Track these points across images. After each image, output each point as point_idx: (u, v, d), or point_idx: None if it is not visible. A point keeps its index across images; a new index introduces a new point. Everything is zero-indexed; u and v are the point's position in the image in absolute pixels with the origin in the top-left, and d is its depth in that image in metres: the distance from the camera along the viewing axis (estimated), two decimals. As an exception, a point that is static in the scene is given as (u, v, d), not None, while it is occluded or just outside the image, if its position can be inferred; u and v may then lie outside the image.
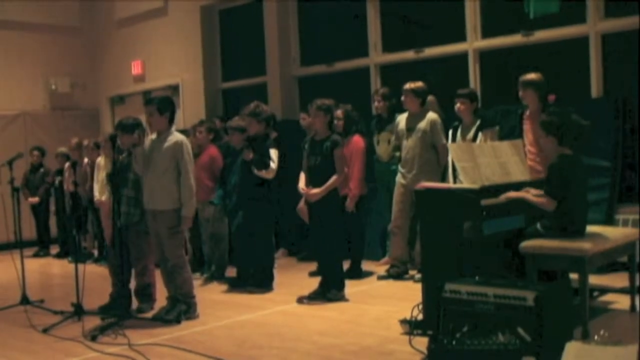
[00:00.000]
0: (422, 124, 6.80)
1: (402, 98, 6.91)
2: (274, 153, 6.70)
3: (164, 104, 5.82)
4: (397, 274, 6.98)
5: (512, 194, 4.91)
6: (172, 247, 5.76)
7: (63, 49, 12.61)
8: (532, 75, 6.11)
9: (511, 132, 6.48)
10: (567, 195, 4.76)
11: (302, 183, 6.35)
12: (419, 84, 6.89)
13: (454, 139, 6.64)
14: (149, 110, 5.83)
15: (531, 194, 4.92)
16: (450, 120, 6.95)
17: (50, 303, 6.61)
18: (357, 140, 7.25)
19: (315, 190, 6.17)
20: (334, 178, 6.16)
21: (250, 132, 6.83)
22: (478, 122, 6.55)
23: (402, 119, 7.02)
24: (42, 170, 10.49)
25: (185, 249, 6.43)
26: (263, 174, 6.65)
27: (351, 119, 7.32)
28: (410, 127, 6.87)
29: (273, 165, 6.65)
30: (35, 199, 10.41)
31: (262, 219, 6.78)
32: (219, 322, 5.67)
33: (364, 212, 7.53)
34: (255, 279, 6.80)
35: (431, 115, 6.84)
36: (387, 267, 7.23)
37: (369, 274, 7.31)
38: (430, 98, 7.15)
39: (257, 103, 6.92)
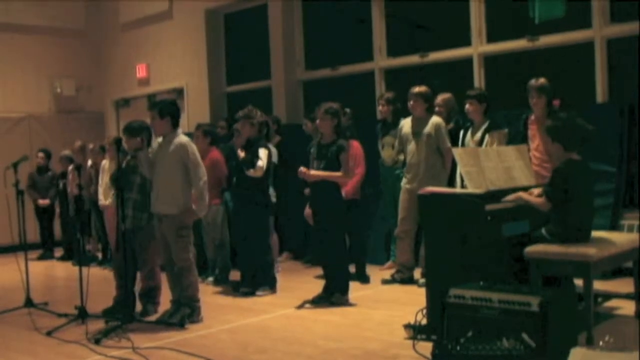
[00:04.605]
0: (427, 128, 6.78)
1: (410, 102, 6.89)
2: (262, 152, 6.75)
3: (164, 108, 5.82)
4: (402, 279, 6.97)
5: (510, 197, 4.90)
6: (179, 250, 5.76)
7: (68, 52, 12.65)
8: (542, 80, 6.11)
9: (515, 137, 6.47)
10: (567, 200, 4.74)
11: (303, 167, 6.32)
12: (426, 88, 6.89)
13: (463, 140, 6.64)
14: (152, 114, 5.84)
15: (529, 195, 4.90)
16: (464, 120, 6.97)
17: (54, 306, 6.62)
18: (358, 146, 7.24)
19: (316, 172, 6.16)
20: (338, 173, 6.12)
21: (243, 135, 6.87)
22: (486, 124, 6.54)
23: (406, 123, 7.01)
24: (50, 172, 10.53)
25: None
26: (251, 173, 6.69)
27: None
28: (416, 132, 6.85)
29: (260, 162, 6.68)
30: (46, 201, 10.47)
31: (257, 221, 6.81)
32: (223, 326, 5.66)
33: (359, 217, 7.43)
34: (257, 280, 6.83)
35: (435, 119, 6.83)
36: (391, 271, 7.23)
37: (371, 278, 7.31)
38: (447, 96, 7.15)
39: (251, 107, 6.96)
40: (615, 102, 7.14)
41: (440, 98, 7.14)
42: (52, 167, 10.61)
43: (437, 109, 7.05)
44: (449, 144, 6.71)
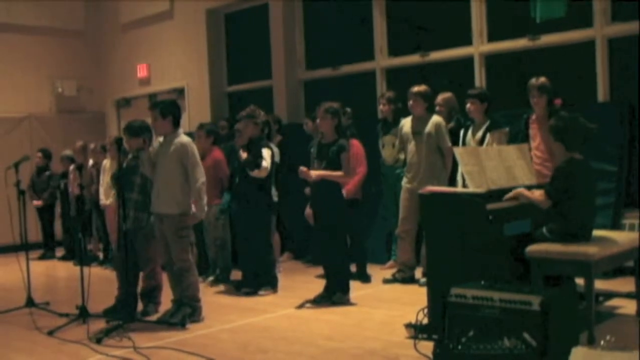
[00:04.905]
0: (428, 128, 6.78)
1: (409, 101, 6.89)
2: (266, 153, 6.76)
3: (166, 108, 5.83)
4: (403, 278, 6.97)
5: (510, 194, 4.90)
6: (178, 250, 5.76)
7: (69, 52, 12.66)
8: (543, 79, 6.11)
9: (516, 136, 6.46)
10: (567, 199, 4.74)
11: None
12: (425, 87, 6.89)
13: (464, 139, 6.64)
14: (153, 114, 5.85)
15: (529, 192, 4.90)
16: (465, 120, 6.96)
17: (55, 306, 6.62)
18: (358, 145, 7.23)
19: (317, 172, 6.16)
20: (339, 172, 6.12)
21: (246, 135, 6.87)
22: (487, 123, 6.54)
23: (406, 123, 7.01)
24: (47, 173, 10.52)
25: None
26: (256, 173, 6.70)
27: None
28: (417, 131, 6.85)
29: (265, 163, 6.68)
30: (39, 202, 10.43)
31: (259, 220, 6.82)
32: (224, 326, 5.66)
33: (360, 217, 7.42)
34: (259, 281, 6.83)
35: (436, 119, 6.83)
36: (392, 270, 7.23)
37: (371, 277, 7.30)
38: (448, 95, 7.14)
39: (254, 107, 6.96)
40: (616, 101, 7.14)
41: (441, 97, 7.14)
42: (52, 167, 10.60)
43: (437, 108, 7.05)
44: (449, 143, 6.71)
